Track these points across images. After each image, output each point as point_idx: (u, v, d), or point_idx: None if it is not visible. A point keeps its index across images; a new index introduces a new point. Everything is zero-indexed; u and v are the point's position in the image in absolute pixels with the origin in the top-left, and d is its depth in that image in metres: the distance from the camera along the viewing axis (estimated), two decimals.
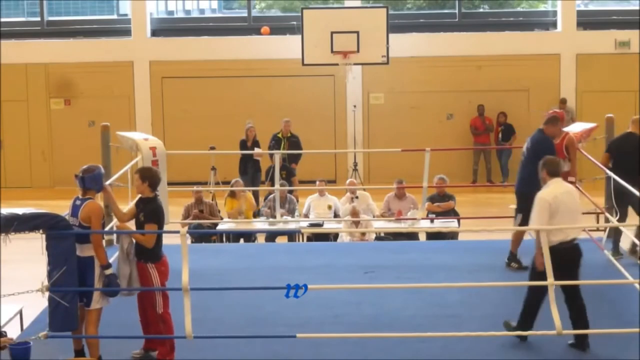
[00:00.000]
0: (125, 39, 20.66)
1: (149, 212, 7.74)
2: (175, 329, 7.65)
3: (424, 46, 20.15)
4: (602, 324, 7.99)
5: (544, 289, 7.62)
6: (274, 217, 12.98)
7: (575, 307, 7.76)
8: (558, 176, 7.80)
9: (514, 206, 14.63)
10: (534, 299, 7.83)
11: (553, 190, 7.67)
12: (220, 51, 20.25)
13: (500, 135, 19.91)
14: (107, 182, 10.80)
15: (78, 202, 7.65)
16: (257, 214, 14.18)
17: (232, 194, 14.05)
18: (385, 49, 17.74)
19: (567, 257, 7.60)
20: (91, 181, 7.70)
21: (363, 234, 12.74)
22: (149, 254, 7.62)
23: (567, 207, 7.63)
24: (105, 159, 11.28)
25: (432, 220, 12.89)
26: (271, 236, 13.47)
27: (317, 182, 14.26)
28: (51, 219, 7.47)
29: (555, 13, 20.59)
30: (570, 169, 10.27)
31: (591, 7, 21.92)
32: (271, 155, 15.88)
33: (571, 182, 10.12)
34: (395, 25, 19.20)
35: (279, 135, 17.03)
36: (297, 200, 14.55)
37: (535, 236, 7.71)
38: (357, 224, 12.94)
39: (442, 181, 13.72)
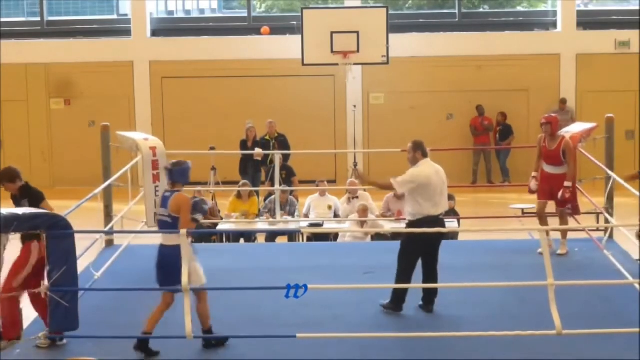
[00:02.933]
0: (125, 39, 20.66)
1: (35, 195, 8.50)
2: (175, 329, 7.64)
3: (424, 46, 20.15)
4: (602, 324, 7.99)
5: (415, 259, 8.48)
6: (274, 218, 12.99)
7: (431, 275, 8.57)
8: (427, 157, 8.63)
9: (514, 206, 14.66)
10: (406, 270, 8.48)
11: (425, 169, 8.51)
12: (220, 51, 20.25)
13: (497, 136, 19.92)
14: (107, 182, 10.85)
15: (167, 194, 7.86)
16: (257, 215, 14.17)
17: (239, 195, 14.05)
18: (385, 49, 17.73)
19: (432, 228, 8.28)
20: (178, 174, 7.91)
21: (366, 233, 12.72)
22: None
23: (437, 184, 8.47)
24: (105, 159, 11.28)
25: None
26: (271, 236, 13.46)
27: (317, 182, 14.26)
28: (51, 219, 7.48)
29: (555, 13, 20.59)
30: (568, 172, 10.25)
31: (591, 7, 21.93)
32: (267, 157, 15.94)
33: (566, 188, 10.13)
34: (395, 25, 19.19)
35: (266, 137, 17.01)
36: (297, 200, 14.54)
37: (387, 184, 8.68)
38: (362, 223, 12.91)
39: None
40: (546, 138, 10.47)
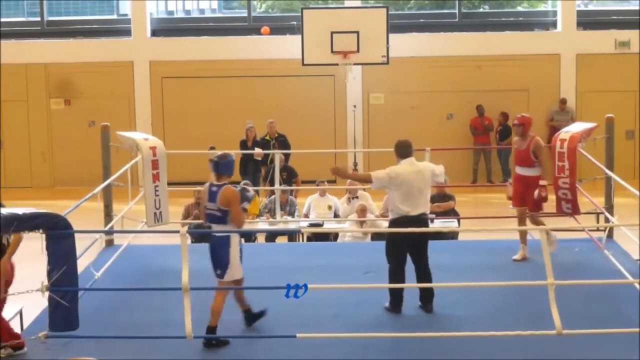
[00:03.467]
0: (125, 39, 20.67)
1: None
2: (175, 329, 7.65)
3: (424, 46, 20.16)
4: (602, 324, 7.99)
5: (401, 256, 8.51)
6: (274, 218, 12.99)
7: (423, 274, 8.60)
8: (410, 156, 8.62)
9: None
10: (394, 269, 8.52)
11: (404, 167, 8.54)
12: (220, 51, 20.25)
13: (498, 136, 19.93)
14: (107, 182, 10.85)
15: (214, 188, 8.00)
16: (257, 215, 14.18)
17: None
18: (385, 49, 17.73)
19: (413, 227, 8.31)
20: (224, 167, 8.05)
21: (364, 232, 12.73)
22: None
23: (414, 184, 8.47)
24: (105, 159, 11.28)
25: (432, 220, 12.87)
26: (271, 236, 13.46)
27: (317, 182, 14.26)
28: (51, 219, 7.47)
29: (555, 13, 20.59)
30: (541, 172, 10.11)
31: (591, 7, 21.94)
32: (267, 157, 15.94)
33: (542, 187, 10.01)
34: (395, 25, 19.19)
35: (267, 137, 17.00)
36: (296, 198, 14.55)
37: (363, 175, 9.25)
38: (362, 223, 12.92)
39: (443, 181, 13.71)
40: (518, 139, 10.30)
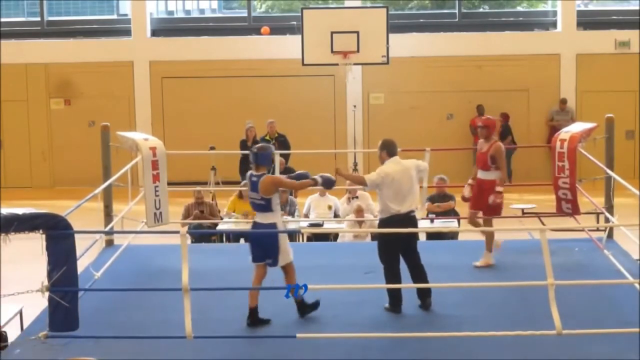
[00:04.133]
0: (125, 39, 20.67)
1: None
2: (176, 329, 7.65)
3: (424, 46, 20.16)
4: (602, 324, 7.99)
5: (394, 255, 8.58)
6: None
7: (417, 271, 8.64)
8: (395, 155, 8.71)
9: (514, 206, 14.66)
10: (389, 269, 8.57)
11: (391, 167, 8.62)
12: (220, 51, 20.26)
13: (498, 136, 19.94)
14: (107, 182, 10.85)
15: (254, 179, 8.27)
16: None
17: (240, 195, 14.05)
18: (385, 49, 17.74)
19: (403, 227, 8.42)
20: (264, 158, 8.31)
21: (359, 232, 12.73)
22: None
23: (402, 182, 8.56)
24: (105, 159, 11.27)
25: (432, 220, 12.89)
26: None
27: None
28: (51, 219, 7.47)
29: (555, 13, 20.60)
30: (499, 177, 9.90)
31: (591, 7, 21.95)
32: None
33: (497, 193, 9.84)
34: (395, 25, 19.20)
35: (266, 137, 17.01)
36: (296, 198, 14.55)
37: (359, 178, 9.30)
38: (360, 223, 12.93)
39: (442, 181, 13.73)
40: (481, 142, 10.10)
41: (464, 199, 10.32)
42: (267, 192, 8.17)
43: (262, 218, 8.28)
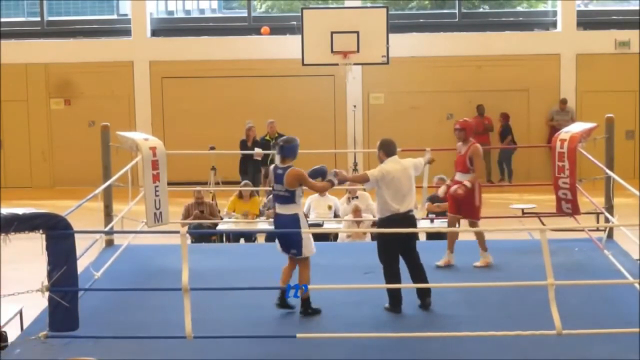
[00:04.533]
0: (125, 39, 20.68)
1: None
2: (176, 329, 7.65)
3: (424, 46, 20.17)
4: (602, 324, 7.99)
5: (393, 254, 8.57)
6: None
7: (417, 271, 8.66)
8: (394, 155, 8.74)
9: (514, 206, 14.67)
10: (389, 269, 8.57)
11: (390, 165, 8.64)
12: (220, 51, 20.26)
13: (499, 136, 19.95)
14: (107, 182, 10.85)
15: (280, 171, 8.40)
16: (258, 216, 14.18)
17: (240, 195, 14.06)
18: (385, 49, 17.74)
19: (402, 226, 8.44)
20: (289, 150, 8.49)
21: (364, 233, 12.74)
22: None
23: (402, 182, 8.60)
24: (105, 159, 11.27)
25: (432, 220, 12.88)
26: (271, 236, 13.45)
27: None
28: (51, 219, 7.47)
29: (555, 13, 20.60)
30: (472, 177, 9.78)
31: (591, 7, 21.95)
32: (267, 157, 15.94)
33: (463, 185, 9.67)
34: (395, 25, 19.20)
35: (267, 137, 17.00)
36: None
37: (360, 175, 9.09)
38: (358, 223, 12.93)
39: (442, 181, 13.69)
40: (460, 144, 10.02)
41: (437, 198, 10.28)
42: (291, 185, 8.27)
43: (285, 209, 8.36)
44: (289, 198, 8.32)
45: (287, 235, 8.38)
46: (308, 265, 8.47)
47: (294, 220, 8.32)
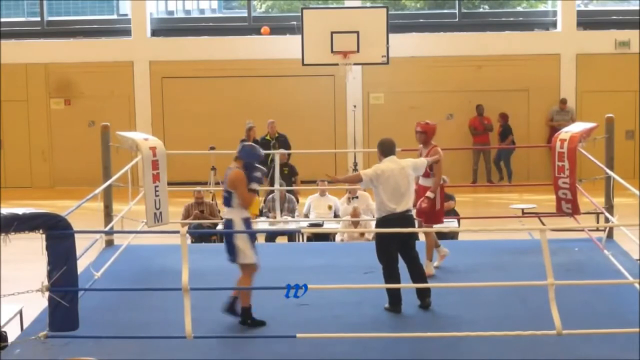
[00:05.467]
0: (125, 39, 20.67)
1: None
2: (175, 329, 7.65)
3: (424, 46, 20.16)
4: (602, 324, 7.99)
5: (392, 254, 8.54)
6: (274, 217, 12.99)
7: (416, 270, 8.66)
8: (393, 155, 8.76)
9: (514, 206, 14.68)
10: (388, 269, 8.56)
11: (387, 165, 8.64)
12: (220, 51, 20.26)
13: (499, 136, 19.95)
14: (107, 182, 10.85)
15: (228, 171, 8.30)
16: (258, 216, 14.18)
17: None
18: (385, 49, 17.75)
19: (400, 226, 8.37)
20: (244, 153, 8.32)
21: (362, 234, 12.74)
22: None
23: (399, 181, 8.57)
24: (105, 159, 11.27)
25: None
26: (271, 236, 13.47)
27: (318, 182, 14.26)
28: (51, 219, 7.47)
29: (555, 13, 20.60)
30: (433, 184, 9.61)
31: (591, 7, 21.95)
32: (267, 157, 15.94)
33: (427, 198, 9.52)
34: (395, 25, 19.21)
35: (267, 137, 17.01)
36: (298, 201, 14.55)
37: (354, 175, 9.14)
38: (356, 224, 12.94)
39: (442, 181, 13.69)
40: (421, 147, 9.91)
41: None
42: (230, 186, 8.12)
43: (225, 213, 8.22)
44: (227, 199, 8.15)
45: (225, 239, 8.19)
46: (249, 274, 8.21)
47: (228, 225, 8.15)
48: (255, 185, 8.22)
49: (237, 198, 8.05)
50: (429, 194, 9.62)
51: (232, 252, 8.12)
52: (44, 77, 20.58)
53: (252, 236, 8.19)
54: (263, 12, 22.42)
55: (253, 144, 8.50)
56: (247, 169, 8.19)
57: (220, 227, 9.14)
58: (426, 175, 9.69)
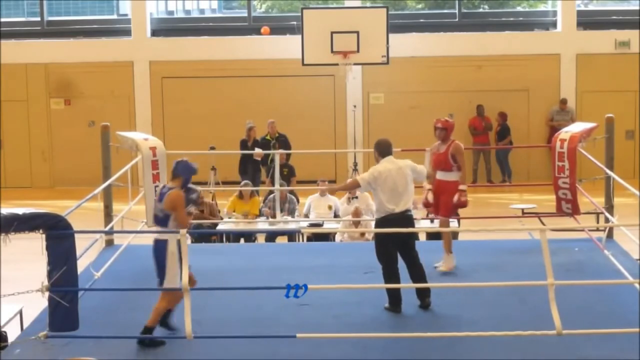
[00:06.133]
0: (125, 39, 20.67)
1: None
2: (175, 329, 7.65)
3: (424, 46, 20.16)
4: (602, 324, 7.99)
5: (391, 254, 8.54)
6: (274, 217, 12.99)
7: (416, 270, 8.66)
8: (390, 155, 8.74)
9: (514, 206, 14.68)
10: (387, 269, 8.57)
11: (385, 165, 8.64)
12: (220, 51, 20.26)
13: (497, 136, 19.96)
14: (107, 182, 10.85)
15: (164, 190, 7.93)
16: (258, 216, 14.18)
17: (240, 195, 14.06)
18: (385, 49, 17.74)
19: (399, 226, 8.40)
20: (181, 169, 8.04)
21: (362, 234, 12.74)
22: None
23: (397, 181, 8.56)
24: (105, 159, 11.28)
25: (432, 220, 12.87)
26: (271, 236, 13.47)
27: (319, 182, 14.26)
28: (51, 219, 7.48)
29: (555, 13, 20.60)
30: (460, 177, 9.77)
31: (591, 7, 21.95)
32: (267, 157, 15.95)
33: (461, 191, 9.69)
34: (395, 25, 19.21)
35: (267, 137, 17.00)
36: (298, 201, 14.55)
37: (351, 182, 9.14)
38: (356, 224, 12.93)
39: None
40: (438, 143, 9.97)
41: (427, 204, 10.13)
42: (168, 207, 7.76)
43: (160, 234, 7.83)
44: (163, 220, 7.80)
45: (156, 260, 7.79)
46: (168, 299, 7.82)
47: (162, 247, 7.72)
48: (191, 208, 7.94)
49: (174, 220, 7.74)
50: (461, 187, 9.73)
51: (162, 273, 7.74)
52: (44, 77, 20.58)
53: (180, 260, 7.68)
54: (263, 12, 22.42)
55: (185, 158, 8.17)
56: (184, 188, 7.90)
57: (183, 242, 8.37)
58: (448, 169, 9.81)
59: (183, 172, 7.97)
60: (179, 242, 7.68)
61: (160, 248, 7.75)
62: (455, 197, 9.75)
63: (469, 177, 19.78)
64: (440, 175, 9.89)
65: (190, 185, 8.00)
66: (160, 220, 7.84)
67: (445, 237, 9.97)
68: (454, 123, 10.13)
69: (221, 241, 13.59)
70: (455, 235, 12.70)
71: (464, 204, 9.82)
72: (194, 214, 13.62)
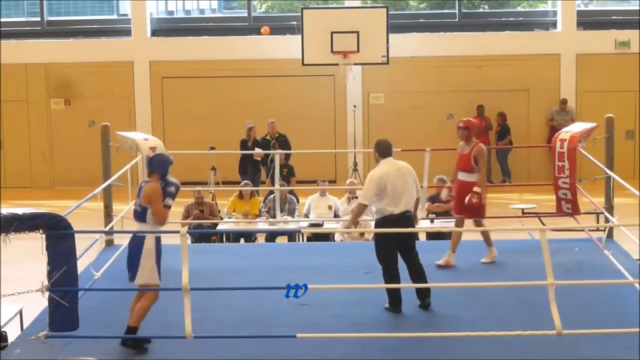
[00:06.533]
0: (125, 39, 20.67)
1: None
2: (176, 329, 7.64)
3: (424, 46, 20.16)
4: (602, 324, 7.99)
5: (391, 255, 8.53)
6: (274, 217, 12.99)
7: (416, 270, 8.65)
8: (390, 155, 8.69)
9: (514, 206, 14.67)
10: (387, 269, 8.56)
11: (383, 168, 8.57)
12: (220, 51, 20.26)
13: (497, 136, 19.96)
14: (107, 182, 10.85)
15: (142, 184, 7.82)
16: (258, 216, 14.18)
17: (240, 195, 14.06)
18: (385, 49, 17.75)
19: (398, 226, 8.39)
20: (156, 164, 7.85)
21: (362, 234, 12.73)
22: None
23: (396, 182, 8.51)
24: (105, 159, 11.28)
25: (432, 220, 12.88)
26: (271, 236, 13.47)
27: (319, 182, 14.26)
28: (51, 219, 7.47)
29: (555, 13, 20.60)
30: (478, 179, 9.86)
31: (591, 7, 21.95)
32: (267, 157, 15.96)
33: (476, 192, 9.78)
34: (395, 25, 19.20)
35: (267, 137, 17.01)
36: (298, 201, 14.55)
37: (357, 207, 8.77)
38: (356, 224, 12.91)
39: (442, 181, 13.69)
40: (462, 144, 10.03)
41: (441, 200, 10.26)
42: (145, 201, 7.68)
43: (137, 227, 7.77)
44: (141, 215, 7.71)
45: (129, 254, 7.72)
46: (151, 296, 7.75)
47: (139, 242, 7.67)
48: (169, 201, 7.81)
49: (152, 214, 7.69)
50: (476, 188, 9.78)
51: (133, 269, 7.66)
52: (44, 77, 20.58)
53: (159, 257, 7.74)
54: (263, 12, 22.43)
55: (162, 153, 8.09)
56: (162, 181, 7.79)
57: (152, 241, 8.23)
58: (470, 169, 9.87)
59: (157, 168, 7.82)
60: (157, 239, 7.70)
61: (136, 243, 7.69)
62: (467, 199, 9.84)
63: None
64: (462, 176, 10.00)
65: (170, 179, 7.87)
66: (139, 214, 7.77)
67: (454, 236, 10.05)
68: (478, 122, 10.21)
69: (221, 241, 13.59)
70: (459, 235, 12.71)
71: (475, 206, 9.87)
72: (195, 214, 13.72)
